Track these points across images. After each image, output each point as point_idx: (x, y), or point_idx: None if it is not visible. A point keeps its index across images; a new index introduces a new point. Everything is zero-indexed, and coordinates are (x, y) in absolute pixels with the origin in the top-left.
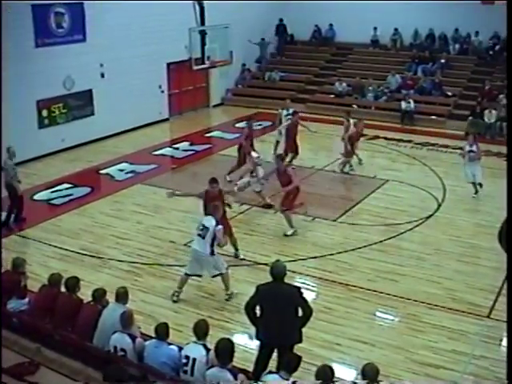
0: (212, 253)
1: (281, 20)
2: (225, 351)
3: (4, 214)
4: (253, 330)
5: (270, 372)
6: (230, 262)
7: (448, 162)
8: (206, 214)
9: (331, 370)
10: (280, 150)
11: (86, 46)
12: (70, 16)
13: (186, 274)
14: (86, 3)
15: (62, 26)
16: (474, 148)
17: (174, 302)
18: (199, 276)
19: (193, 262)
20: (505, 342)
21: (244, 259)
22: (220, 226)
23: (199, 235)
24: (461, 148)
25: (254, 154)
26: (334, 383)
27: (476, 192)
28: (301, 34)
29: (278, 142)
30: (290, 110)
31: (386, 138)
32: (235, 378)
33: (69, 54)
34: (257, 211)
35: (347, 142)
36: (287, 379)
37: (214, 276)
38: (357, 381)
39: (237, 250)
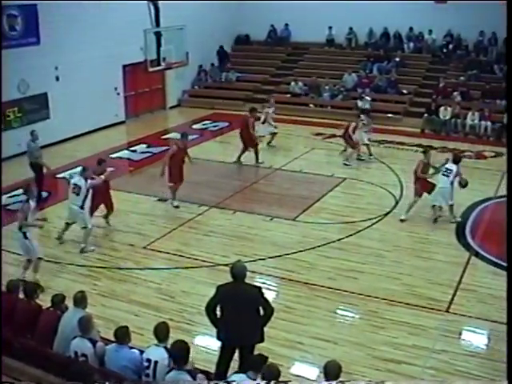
0: (81, 207)
1: (221, 47)
2: (180, 353)
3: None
4: (214, 331)
5: (237, 372)
6: (191, 263)
7: (404, 159)
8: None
9: (277, 369)
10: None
11: (40, 49)
12: (22, 18)
13: (66, 224)
14: (40, 5)
15: (14, 28)
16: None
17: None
18: (71, 224)
19: (69, 215)
20: (464, 336)
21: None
22: (89, 181)
23: (73, 193)
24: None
25: None
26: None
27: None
28: (256, 34)
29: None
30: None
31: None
32: (194, 379)
33: (23, 57)
34: (215, 212)
35: None
36: (255, 379)
37: (82, 228)
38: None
39: (107, 222)
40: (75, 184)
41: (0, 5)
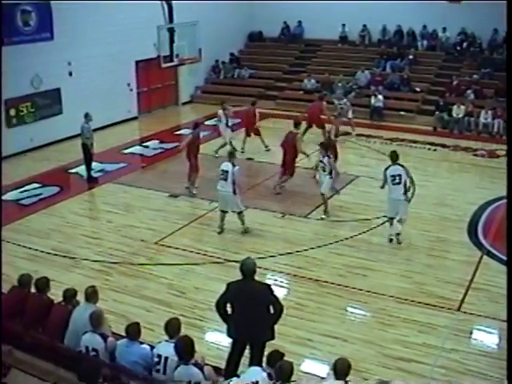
0: (234, 192)
1: (231, 54)
2: (185, 348)
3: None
4: (225, 327)
5: (254, 365)
6: (202, 259)
7: (417, 157)
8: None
9: (291, 366)
10: None
11: (53, 45)
12: (37, 14)
13: (220, 211)
14: (53, 1)
15: (29, 24)
16: (325, 160)
17: (219, 233)
18: (225, 212)
19: (220, 201)
20: (475, 335)
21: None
22: (237, 167)
23: (221, 179)
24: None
25: None
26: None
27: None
28: (270, 30)
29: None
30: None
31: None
32: (201, 371)
33: (36, 53)
34: None
35: None
36: (270, 374)
37: (233, 211)
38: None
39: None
40: (223, 170)
41: (0, 4)
